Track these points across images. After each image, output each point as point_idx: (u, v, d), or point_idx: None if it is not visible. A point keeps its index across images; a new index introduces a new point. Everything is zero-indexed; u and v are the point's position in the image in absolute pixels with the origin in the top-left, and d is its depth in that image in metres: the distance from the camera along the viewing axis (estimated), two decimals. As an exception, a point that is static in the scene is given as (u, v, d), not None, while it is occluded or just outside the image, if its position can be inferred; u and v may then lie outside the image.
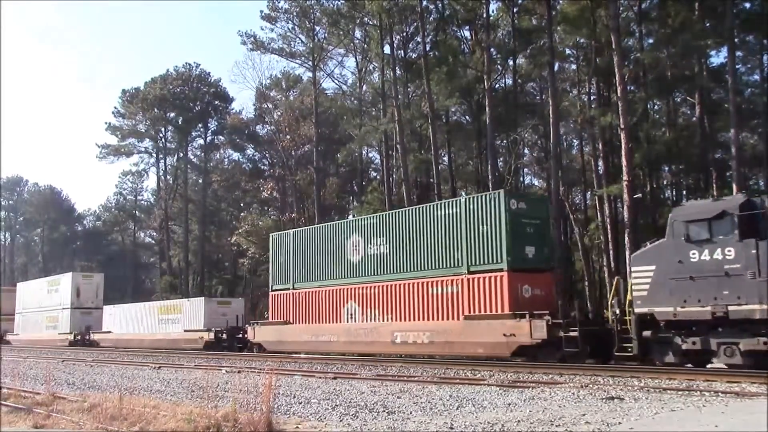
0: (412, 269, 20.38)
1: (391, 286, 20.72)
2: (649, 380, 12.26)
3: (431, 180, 41.06)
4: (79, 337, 39.52)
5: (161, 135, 65.61)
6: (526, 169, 47.03)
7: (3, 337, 46.51)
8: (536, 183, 48.34)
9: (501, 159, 39.19)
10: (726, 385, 11.24)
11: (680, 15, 31.79)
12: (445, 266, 19.39)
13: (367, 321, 21.35)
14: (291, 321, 24.55)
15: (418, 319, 19.62)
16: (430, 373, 15.12)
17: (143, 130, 65.90)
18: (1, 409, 10.70)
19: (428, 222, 20.16)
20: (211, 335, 29.88)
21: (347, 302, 22.29)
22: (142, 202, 76.74)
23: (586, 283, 37.43)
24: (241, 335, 28.91)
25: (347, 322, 22.09)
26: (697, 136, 33.72)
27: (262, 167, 61.96)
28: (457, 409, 9.26)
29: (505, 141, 39.74)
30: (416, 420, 8.29)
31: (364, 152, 52.62)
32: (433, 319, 19.21)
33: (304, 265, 24.58)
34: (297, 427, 8.11)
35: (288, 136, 51.52)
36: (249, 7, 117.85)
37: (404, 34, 43.11)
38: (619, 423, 7.52)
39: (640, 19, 34.81)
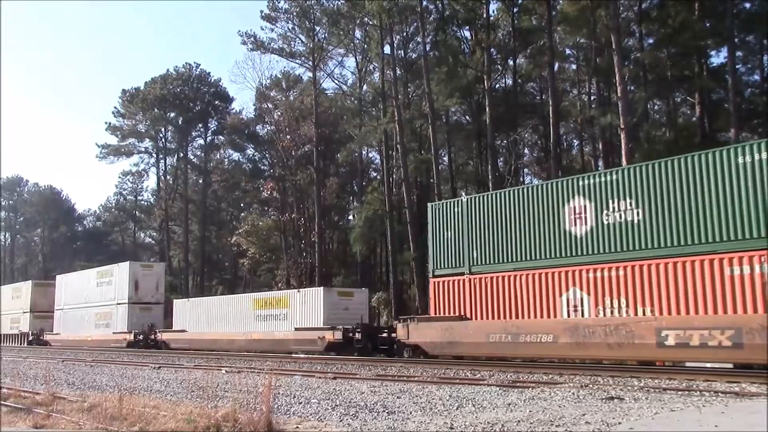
0: (689, 242, 14.78)
1: (652, 266, 15.19)
2: (649, 380, 12.26)
3: (431, 180, 41.09)
4: (141, 337, 33.54)
5: (161, 135, 65.68)
6: (526, 169, 47.09)
7: (40, 337, 43.00)
8: (536, 183, 48.36)
9: (501, 159, 39.22)
10: (726, 385, 11.24)
11: (680, 15, 31.83)
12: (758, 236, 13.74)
13: (605, 314, 15.90)
14: (467, 315, 18.92)
15: (701, 312, 14.21)
16: (430, 373, 15.12)
17: (143, 130, 65.96)
18: (1, 409, 10.70)
19: (722, 173, 14.47)
20: (338, 334, 23.64)
21: (567, 289, 16.82)
22: (142, 202, 76.83)
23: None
24: (385, 334, 22.62)
25: (569, 315, 16.62)
26: (697, 136, 33.73)
27: (262, 167, 62.00)
28: (457, 409, 9.26)
29: (505, 141, 39.77)
30: (416, 420, 8.29)
31: (364, 152, 52.69)
32: (731, 311, 13.77)
33: (489, 241, 18.81)
34: (297, 427, 8.10)
35: (288, 136, 51.54)
36: (249, 7, 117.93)
37: (404, 34, 43.16)
38: (619, 423, 7.52)
39: (640, 19, 34.84)
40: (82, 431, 8.79)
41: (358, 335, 23.28)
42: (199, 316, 31.95)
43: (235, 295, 33.75)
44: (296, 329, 25.97)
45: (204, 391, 10.88)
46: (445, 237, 20.01)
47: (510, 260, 18.31)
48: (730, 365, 13.72)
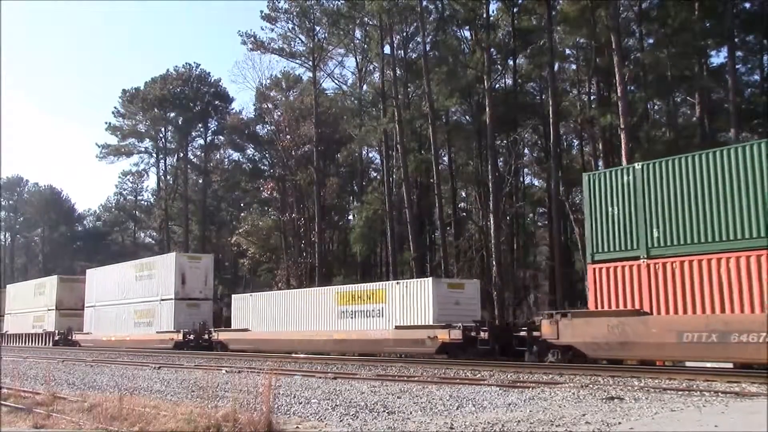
0: None
1: None
2: (649, 380, 12.26)
3: (431, 180, 41.09)
4: (191, 337, 30.13)
5: (161, 135, 65.66)
6: (526, 169, 47.05)
7: (68, 337, 39.82)
8: (536, 183, 48.39)
9: (501, 159, 39.21)
10: (726, 385, 11.24)
11: (680, 15, 31.84)
12: None
13: None
14: (645, 309, 15.29)
15: None
16: (430, 373, 15.12)
17: (143, 130, 65.94)
18: (1, 409, 10.70)
19: None
20: (455, 333, 19.72)
21: None
22: (142, 202, 76.77)
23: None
24: (524, 333, 18.61)
25: None
26: (697, 136, 33.72)
27: (262, 167, 61.98)
28: (457, 409, 9.26)
29: (505, 141, 39.75)
30: (416, 420, 8.29)
31: (364, 152, 52.68)
32: None
33: (678, 216, 14.96)
34: (297, 427, 8.11)
35: (288, 136, 51.54)
36: (249, 7, 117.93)
37: (404, 34, 43.15)
38: (619, 423, 7.52)
39: (640, 19, 34.84)
40: (82, 431, 8.80)
41: (483, 334, 19.42)
42: (265, 313, 27.90)
43: (313, 289, 29.07)
44: (397, 328, 21.90)
45: (204, 391, 10.89)
46: (610, 214, 16.36)
47: (710, 239, 14.42)
48: (730, 365, 13.60)
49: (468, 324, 19.93)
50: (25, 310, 46.65)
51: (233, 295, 31.20)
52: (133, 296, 35.26)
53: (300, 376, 14.89)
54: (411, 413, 8.91)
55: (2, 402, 11.30)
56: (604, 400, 9.56)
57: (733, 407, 8.63)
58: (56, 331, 41.34)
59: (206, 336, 29.85)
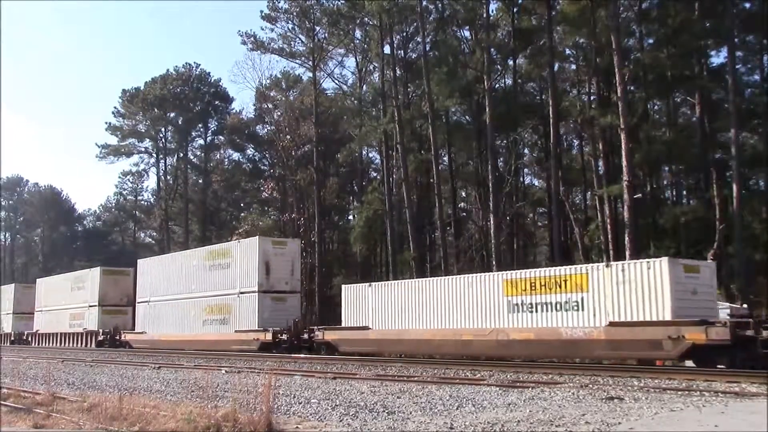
0: None
1: None
2: (648, 380, 12.26)
3: (431, 180, 41.10)
4: (284, 336, 24.86)
5: (161, 135, 65.64)
6: (526, 169, 47.09)
7: (115, 337, 35.11)
8: (536, 183, 48.40)
9: (501, 159, 39.22)
10: (726, 385, 11.23)
11: (680, 15, 31.86)
12: None
13: None
14: None
15: None
16: (430, 373, 15.12)
17: (143, 130, 65.93)
18: (1, 409, 10.70)
19: None
20: (717, 332, 14.31)
21: None
22: (142, 202, 76.73)
23: None
24: None
25: None
26: (697, 136, 33.74)
27: (262, 167, 61.99)
28: (457, 409, 9.26)
29: (505, 141, 39.75)
30: (416, 420, 8.29)
31: (364, 152, 52.69)
32: None
33: None
34: (297, 427, 8.10)
35: (288, 136, 51.55)
36: (249, 7, 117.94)
37: (404, 34, 43.19)
38: (619, 423, 7.52)
39: (640, 19, 34.85)
40: (82, 431, 8.79)
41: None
42: (394, 307, 21.97)
43: (466, 276, 21.43)
44: (612, 324, 16.45)
45: (204, 391, 10.89)
46: None
47: None
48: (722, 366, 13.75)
49: (738, 318, 15.55)
50: (60, 306, 41.46)
51: (344, 286, 25.51)
52: (202, 289, 29.70)
53: (300, 376, 14.88)
54: (411, 413, 8.91)
55: (2, 402, 11.30)
56: (603, 400, 9.56)
57: (733, 407, 8.63)
58: (100, 331, 36.29)
59: (305, 335, 24.59)
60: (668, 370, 13.90)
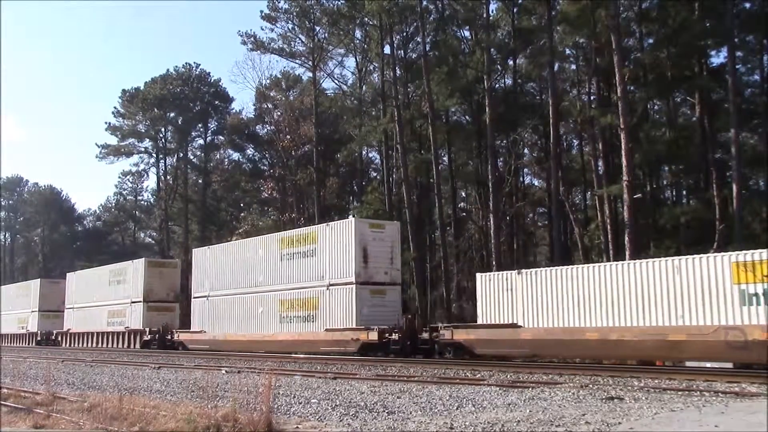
0: None
1: None
2: (649, 380, 12.26)
3: (431, 180, 41.10)
4: (394, 336, 20.38)
5: (161, 135, 65.63)
6: (526, 169, 47.05)
7: (165, 337, 31.22)
8: (536, 183, 48.39)
9: (501, 159, 39.21)
10: (726, 385, 11.24)
11: (680, 15, 31.84)
12: None
13: None
14: None
15: None
16: (430, 373, 15.12)
17: (143, 130, 65.92)
18: (1, 409, 10.70)
19: None
20: None
21: None
22: (142, 202, 76.76)
23: None
24: None
25: None
26: (697, 136, 33.73)
27: (262, 167, 61.98)
28: (457, 409, 9.26)
29: (505, 141, 39.74)
30: (416, 420, 8.29)
31: (364, 152, 52.68)
32: None
33: None
34: (297, 427, 8.11)
35: (288, 136, 51.55)
36: (249, 7, 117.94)
37: (404, 34, 43.16)
38: (619, 423, 7.52)
39: (640, 19, 34.84)
40: (82, 431, 8.79)
41: None
42: (559, 299, 18.01)
43: (674, 259, 16.33)
44: None
45: (204, 391, 10.89)
46: None
47: None
48: (730, 365, 13.61)
49: None
50: (96, 303, 37.75)
51: (480, 275, 20.95)
52: (279, 282, 25.34)
53: (300, 376, 14.89)
54: (411, 413, 8.91)
55: (2, 402, 11.30)
56: (603, 400, 9.56)
57: (733, 407, 8.63)
58: (146, 330, 32.34)
59: (424, 335, 20.60)
60: (668, 370, 13.90)
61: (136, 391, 12.07)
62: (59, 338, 41.53)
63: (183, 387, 13.31)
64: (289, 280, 24.98)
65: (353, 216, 24.04)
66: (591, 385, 11.57)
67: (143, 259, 36.17)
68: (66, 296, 41.67)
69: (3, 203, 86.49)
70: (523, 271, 19.64)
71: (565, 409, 8.83)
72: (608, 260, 33.43)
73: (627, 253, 28.03)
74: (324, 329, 22.79)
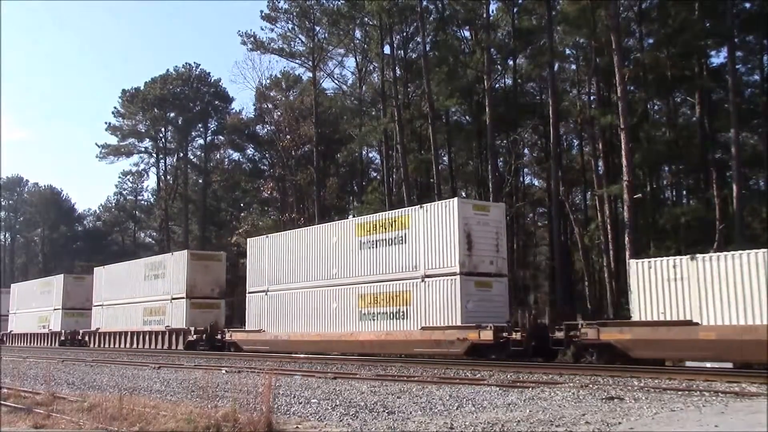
0: None
1: None
2: (649, 380, 12.26)
3: (431, 180, 41.10)
4: (515, 335, 17.24)
5: (161, 135, 65.70)
6: (526, 169, 47.09)
7: (214, 336, 27.94)
8: (536, 183, 48.40)
9: (501, 159, 39.23)
10: (726, 385, 11.23)
11: (680, 15, 31.87)
12: None
13: None
14: None
15: None
16: (430, 373, 15.12)
17: (143, 130, 65.98)
18: (1, 409, 10.70)
19: None
20: None
21: None
22: (142, 202, 76.83)
23: (586, 284, 37.46)
24: None
25: None
26: (697, 136, 33.74)
27: (262, 167, 62.03)
28: (457, 409, 9.26)
29: (505, 141, 39.76)
30: (416, 420, 8.29)
31: (364, 152, 52.71)
32: None
33: None
34: (297, 427, 8.10)
35: (288, 136, 51.58)
36: (249, 7, 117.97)
37: (404, 34, 43.17)
38: (619, 423, 7.52)
39: (640, 19, 34.87)
40: (82, 431, 8.80)
41: None
42: (736, 288, 15.25)
43: None
44: None
45: (204, 391, 10.90)
46: None
47: None
48: (730, 365, 13.59)
49: None
50: (130, 300, 34.68)
51: (632, 262, 18.42)
52: (357, 273, 22.01)
53: (300, 376, 14.88)
54: (411, 413, 8.91)
55: (2, 402, 11.30)
56: (603, 400, 9.56)
57: (733, 407, 8.63)
58: (192, 329, 29.02)
59: (557, 334, 17.18)
60: (668, 370, 13.90)
61: (136, 391, 12.07)
62: (87, 338, 38.21)
63: (183, 387, 13.31)
64: (372, 272, 21.50)
65: (457, 199, 19.97)
66: (591, 385, 11.57)
67: (185, 251, 32.86)
68: (94, 293, 38.54)
69: (3, 203, 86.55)
70: (698, 256, 16.47)
71: (565, 409, 8.83)
72: (608, 260, 33.46)
73: (627, 253, 28.03)
74: (419, 327, 19.51)
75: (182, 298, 30.47)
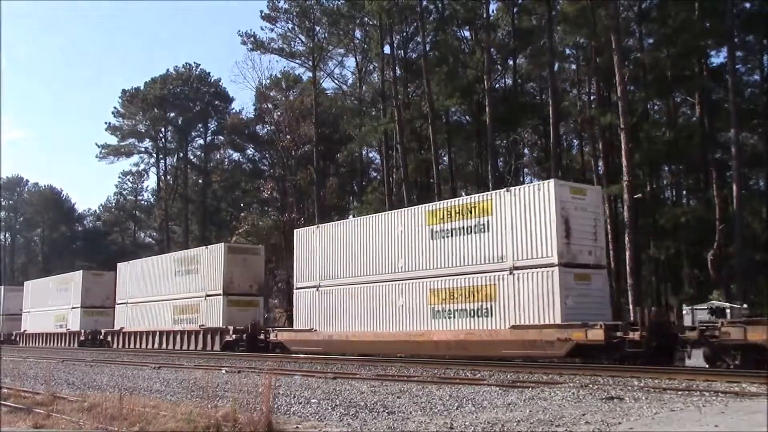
0: None
1: None
2: (649, 380, 12.25)
3: (431, 180, 41.11)
4: (632, 336, 14.96)
5: (161, 135, 65.73)
6: (526, 169, 47.11)
7: (258, 337, 25.61)
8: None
9: (501, 159, 39.22)
10: (726, 385, 11.23)
11: (680, 15, 31.89)
12: None
13: None
14: None
15: None
16: (430, 373, 15.11)
17: (143, 131, 66.02)
18: (1, 409, 10.70)
19: None
20: None
21: None
22: (142, 202, 76.87)
23: None
24: None
25: None
26: (697, 136, 33.74)
27: (262, 167, 62.07)
28: (457, 409, 9.26)
29: (505, 141, 39.76)
30: (416, 420, 8.29)
31: (364, 152, 52.72)
32: None
33: None
34: (297, 427, 8.11)
35: (288, 136, 51.59)
36: (249, 7, 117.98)
37: (404, 34, 43.19)
38: (619, 423, 7.52)
39: (640, 19, 34.87)
40: (82, 431, 8.80)
41: None
42: None
43: None
44: None
45: (204, 391, 10.89)
46: None
47: None
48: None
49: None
50: (157, 297, 32.38)
51: None
52: (428, 266, 19.67)
53: (300, 376, 14.88)
54: (411, 413, 8.91)
55: (2, 402, 11.30)
56: (603, 400, 9.55)
57: (733, 407, 8.62)
58: (229, 329, 26.80)
59: (690, 333, 14.76)
60: (668, 370, 13.89)
61: (136, 391, 12.07)
62: (109, 338, 35.83)
63: (183, 387, 13.31)
64: (446, 264, 19.18)
65: (554, 180, 17.97)
66: (591, 385, 11.57)
67: (222, 244, 30.31)
68: (117, 290, 36.12)
69: (3, 203, 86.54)
70: None
71: (565, 409, 8.83)
72: (608, 260, 33.40)
73: (627, 253, 28.04)
74: (509, 326, 17.24)
75: (218, 294, 28.12)
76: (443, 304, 19.09)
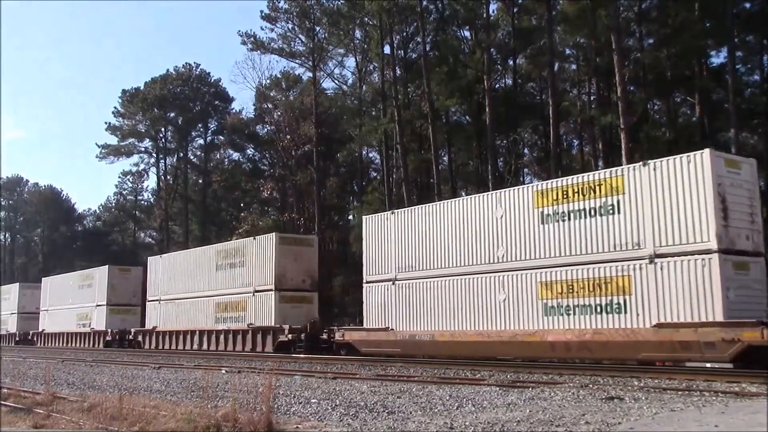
0: None
1: None
2: (649, 380, 12.25)
3: (431, 180, 41.11)
4: None
5: (161, 135, 65.72)
6: (526, 169, 47.07)
7: (321, 337, 23.07)
8: (536, 183, 48.36)
9: (501, 159, 39.22)
10: (726, 385, 11.23)
11: (680, 15, 31.87)
12: None
13: None
14: None
15: None
16: (430, 373, 15.12)
17: (143, 130, 66.01)
18: (1, 409, 10.70)
19: None
20: None
21: None
22: (142, 202, 76.88)
23: None
24: None
25: None
26: (697, 136, 33.73)
27: (262, 167, 62.03)
28: (457, 409, 9.26)
29: (505, 141, 39.76)
30: (416, 420, 8.29)
31: (364, 152, 52.71)
32: None
33: None
34: (297, 427, 8.10)
35: (288, 136, 51.59)
36: (249, 7, 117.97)
37: (404, 34, 43.19)
38: (619, 423, 7.51)
39: (640, 19, 34.86)
40: (82, 431, 8.80)
41: None
42: None
43: None
44: None
45: (204, 391, 10.89)
46: None
47: None
48: (730, 365, 13.46)
49: None
50: (194, 294, 29.80)
51: None
52: (537, 254, 17.00)
53: (300, 376, 14.88)
54: (411, 413, 8.91)
55: (2, 402, 11.30)
56: (603, 400, 9.55)
57: (733, 407, 8.62)
58: (284, 328, 24.17)
59: None
60: (668, 370, 13.89)
61: (136, 391, 12.08)
62: (139, 338, 33.33)
63: (183, 387, 13.31)
64: (562, 252, 16.48)
65: (708, 150, 14.65)
66: (591, 385, 11.57)
67: (273, 234, 26.93)
68: (148, 286, 33.62)
69: (3, 203, 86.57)
70: None
71: (565, 409, 8.83)
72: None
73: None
74: (651, 324, 14.50)
75: (269, 290, 25.49)
76: (559, 299, 16.34)
